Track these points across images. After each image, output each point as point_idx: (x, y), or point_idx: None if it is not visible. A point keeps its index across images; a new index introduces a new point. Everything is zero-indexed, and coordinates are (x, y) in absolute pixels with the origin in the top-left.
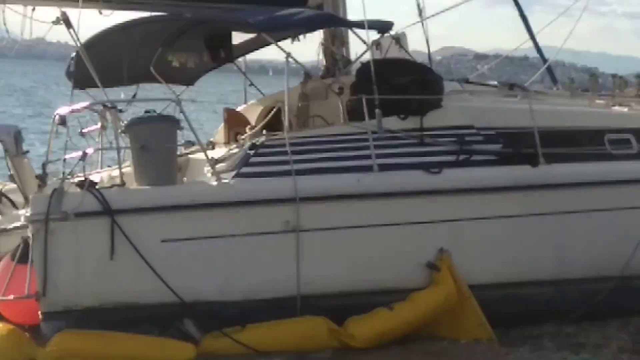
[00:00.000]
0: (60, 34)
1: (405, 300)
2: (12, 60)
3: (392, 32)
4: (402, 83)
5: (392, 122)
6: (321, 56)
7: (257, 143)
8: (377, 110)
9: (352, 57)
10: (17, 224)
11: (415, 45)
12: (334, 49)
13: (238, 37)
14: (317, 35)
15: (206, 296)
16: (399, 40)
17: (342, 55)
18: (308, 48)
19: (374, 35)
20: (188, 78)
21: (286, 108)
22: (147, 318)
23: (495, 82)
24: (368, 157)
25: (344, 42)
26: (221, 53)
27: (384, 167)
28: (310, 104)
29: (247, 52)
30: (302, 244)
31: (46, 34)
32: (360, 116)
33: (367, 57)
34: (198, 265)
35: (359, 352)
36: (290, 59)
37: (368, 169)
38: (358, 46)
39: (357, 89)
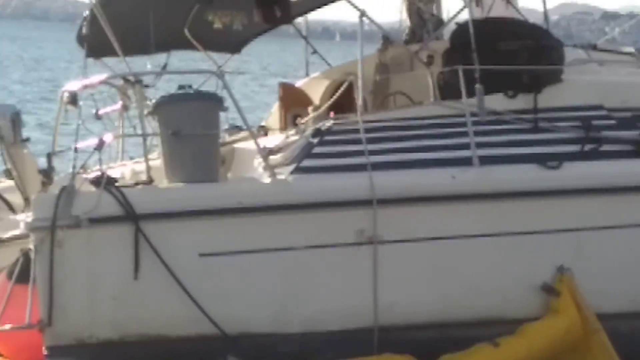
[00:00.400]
0: None
1: (513, 334)
2: (6, 21)
3: None
4: (510, 50)
5: (497, 101)
6: (405, 15)
7: (322, 129)
8: (477, 86)
9: (445, 16)
10: (15, 232)
11: (527, 1)
12: (422, 5)
13: None
14: None
15: (256, 327)
16: None
17: (431, 14)
18: (388, 4)
19: None
20: (233, 43)
21: (359, 83)
22: (180, 355)
23: (632, 49)
24: (466, 146)
25: None
26: (276, 11)
27: (486, 160)
28: (390, 77)
29: (309, 11)
30: (380, 260)
31: None
32: (455, 93)
33: (465, 16)
34: (246, 287)
35: None
36: (364, 19)
37: (466, 162)
38: (452, 2)
39: (451, 57)
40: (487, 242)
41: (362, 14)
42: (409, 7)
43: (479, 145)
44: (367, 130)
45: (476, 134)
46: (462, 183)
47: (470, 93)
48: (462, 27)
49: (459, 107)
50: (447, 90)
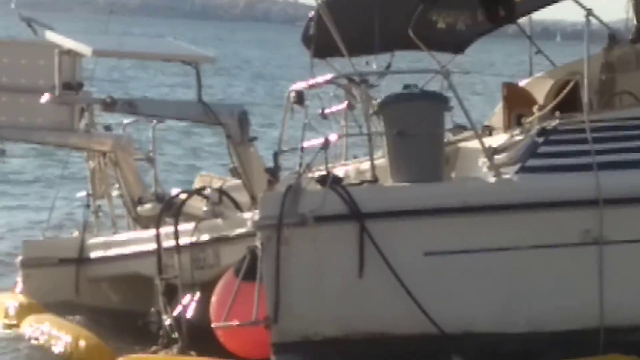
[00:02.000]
0: None
1: None
2: (229, 24)
3: None
4: None
5: None
6: (631, 13)
7: (548, 128)
8: None
9: None
10: (242, 230)
11: None
12: None
13: None
14: None
15: (480, 327)
16: None
17: None
18: (614, 3)
19: None
20: (457, 43)
21: (585, 82)
22: (404, 354)
23: None
24: None
25: None
26: (500, 11)
27: None
28: (616, 76)
29: (533, 10)
30: (606, 261)
31: None
32: None
33: None
34: (470, 286)
35: None
36: (591, 17)
37: None
38: None
39: None
40: None
41: (589, 12)
42: (636, 5)
43: None
44: (593, 130)
45: None
46: None
47: None
48: None
49: None
50: None
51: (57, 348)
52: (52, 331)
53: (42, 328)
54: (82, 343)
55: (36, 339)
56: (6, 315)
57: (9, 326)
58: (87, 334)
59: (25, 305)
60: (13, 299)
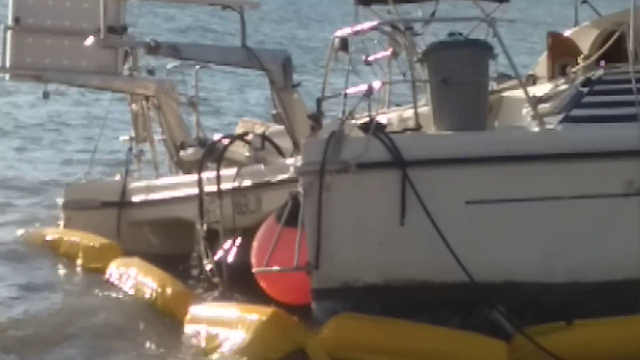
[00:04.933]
0: None
1: None
2: None
3: None
4: None
5: None
6: None
7: (592, 78)
8: None
9: None
10: (284, 176)
11: None
12: None
13: None
14: None
15: (521, 277)
16: None
17: None
18: None
19: None
20: None
21: (631, 32)
22: (444, 302)
23: None
24: None
25: None
26: None
27: None
28: None
29: None
30: None
31: None
32: None
33: None
34: (512, 235)
35: None
36: None
37: None
38: None
39: None
40: None
41: None
42: None
43: None
44: (639, 81)
45: None
46: None
47: None
48: None
49: None
50: None
51: (144, 293)
52: (139, 277)
53: (129, 272)
54: (168, 290)
55: (122, 283)
56: (90, 258)
57: (94, 269)
58: (173, 280)
59: (109, 247)
60: (94, 241)
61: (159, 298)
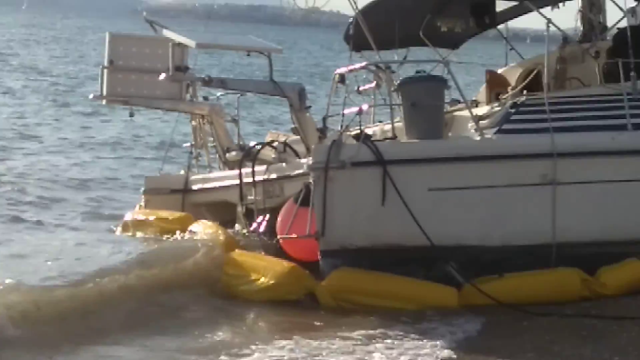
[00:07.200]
0: (332, 3)
1: None
2: (290, 28)
3: None
4: None
5: None
6: (579, 23)
7: (518, 102)
8: (632, 74)
9: (609, 24)
10: (300, 171)
11: None
12: (592, 15)
13: (501, 5)
14: (575, 3)
15: (467, 241)
16: None
17: (599, 22)
18: (566, 15)
19: (630, 2)
20: (454, 42)
21: (545, 70)
22: (413, 259)
23: None
24: (622, 116)
25: (601, 10)
26: (485, 19)
27: (637, 127)
28: (567, 66)
29: (509, 19)
30: (558, 196)
31: (324, 4)
32: (615, 78)
33: (624, 23)
34: (461, 213)
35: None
36: (550, 25)
37: (622, 127)
38: (614, 13)
39: (613, 53)
40: (637, 185)
41: (549, 21)
42: (582, 17)
43: (632, 116)
44: (551, 104)
45: (630, 107)
46: (619, 143)
47: (627, 78)
48: (622, 32)
49: (618, 88)
50: (609, 76)
51: (209, 236)
52: (207, 230)
53: (200, 228)
54: (221, 236)
55: (197, 235)
56: (176, 224)
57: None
58: (227, 231)
59: (187, 217)
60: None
61: (216, 241)
